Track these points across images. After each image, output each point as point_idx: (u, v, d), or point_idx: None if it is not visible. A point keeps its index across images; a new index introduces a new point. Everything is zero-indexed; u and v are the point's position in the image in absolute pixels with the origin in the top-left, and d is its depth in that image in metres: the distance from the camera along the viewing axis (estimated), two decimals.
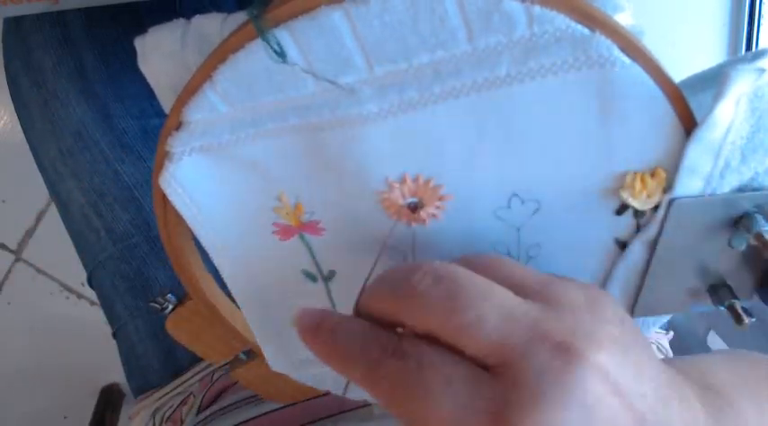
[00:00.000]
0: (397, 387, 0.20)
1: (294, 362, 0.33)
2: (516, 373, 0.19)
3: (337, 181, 0.25)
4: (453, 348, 0.20)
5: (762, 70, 0.22)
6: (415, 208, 0.26)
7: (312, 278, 0.30)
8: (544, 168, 0.25)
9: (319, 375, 0.33)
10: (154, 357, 0.57)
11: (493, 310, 0.19)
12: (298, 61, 0.22)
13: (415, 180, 0.25)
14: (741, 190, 0.24)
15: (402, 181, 0.25)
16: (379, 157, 0.24)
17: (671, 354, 0.54)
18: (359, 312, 0.23)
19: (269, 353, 0.32)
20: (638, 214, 0.25)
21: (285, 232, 0.28)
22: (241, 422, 0.42)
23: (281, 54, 0.22)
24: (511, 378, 0.19)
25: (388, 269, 0.22)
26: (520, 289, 0.21)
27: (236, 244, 0.28)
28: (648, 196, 0.24)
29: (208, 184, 0.26)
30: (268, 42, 0.21)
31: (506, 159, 0.24)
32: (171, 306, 0.33)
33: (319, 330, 0.22)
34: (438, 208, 0.26)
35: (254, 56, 0.22)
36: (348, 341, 0.22)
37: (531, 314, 0.20)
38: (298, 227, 0.28)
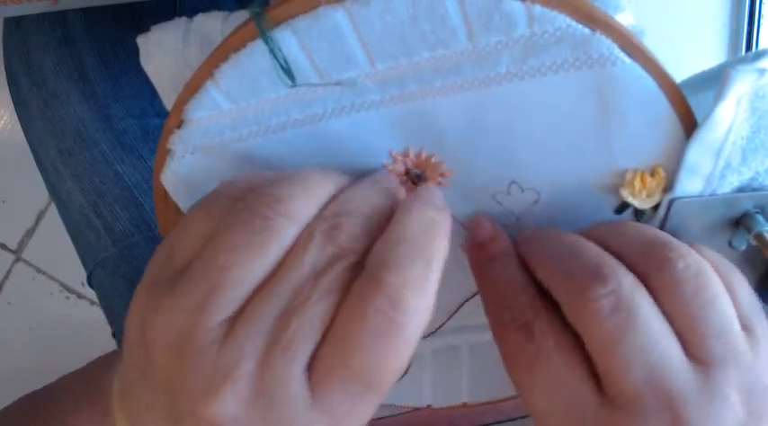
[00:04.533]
0: (510, 357, 0.21)
1: None
2: (623, 421, 0.19)
3: (341, 165, 0.26)
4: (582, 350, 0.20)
5: (762, 70, 0.22)
6: (417, 179, 0.26)
7: None
8: (544, 162, 0.25)
9: None
10: None
11: (645, 365, 0.19)
12: (300, 59, 0.22)
13: (418, 155, 0.25)
14: (741, 189, 0.24)
15: (405, 154, 0.25)
16: (382, 138, 0.25)
17: None
18: (520, 250, 0.24)
19: None
20: (638, 213, 0.25)
21: None
22: None
23: (288, 71, 0.22)
24: (617, 421, 0.19)
25: (577, 236, 0.22)
26: (699, 344, 0.20)
27: None
28: (648, 195, 0.24)
29: (210, 181, 0.26)
30: (269, 46, 0.22)
31: (506, 150, 0.24)
32: None
33: (484, 249, 0.24)
34: (440, 184, 0.26)
35: (257, 54, 0.22)
36: (497, 279, 0.23)
37: (679, 383, 0.19)
38: None
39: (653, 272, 0.20)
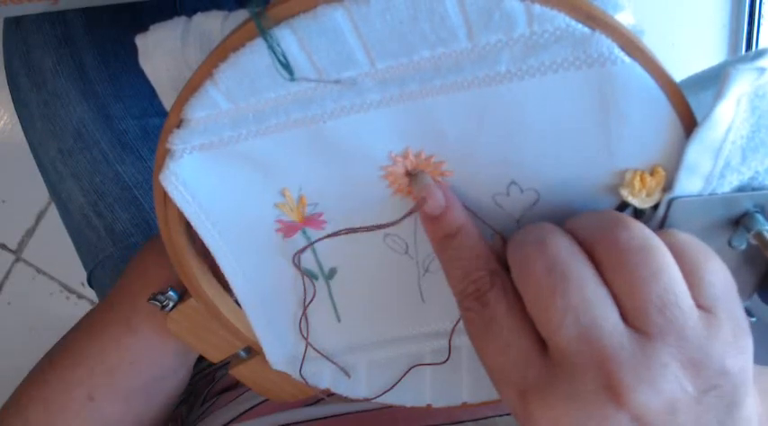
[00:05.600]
0: (469, 323, 0.23)
1: (294, 360, 0.33)
2: (562, 381, 0.20)
3: (341, 166, 0.26)
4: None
5: (762, 69, 0.22)
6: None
7: (313, 276, 0.30)
8: (543, 162, 0.25)
9: (318, 373, 0.33)
10: None
11: (577, 324, 0.20)
12: (299, 58, 0.22)
13: (418, 155, 0.25)
14: (741, 189, 0.24)
15: (405, 155, 0.25)
16: (382, 139, 0.25)
17: None
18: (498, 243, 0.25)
19: (269, 351, 0.32)
20: (637, 213, 0.25)
21: (288, 228, 0.28)
22: (244, 411, 0.42)
23: (286, 66, 0.22)
24: (555, 378, 0.20)
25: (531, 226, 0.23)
26: (639, 314, 0.20)
27: (238, 242, 0.28)
28: (648, 195, 0.24)
29: (209, 181, 0.26)
30: (267, 42, 0.21)
31: (505, 149, 0.24)
32: (172, 304, 0.33)
33: (441, 223, 0.25)
34: (440, 183, 0.26)
35: (256, 54, 0.22)
36: (457, 255, 0.24)
37: (613, 344, 0.20)
38: (301, 223, 0.28)
39: (599, 245, 0.21)
